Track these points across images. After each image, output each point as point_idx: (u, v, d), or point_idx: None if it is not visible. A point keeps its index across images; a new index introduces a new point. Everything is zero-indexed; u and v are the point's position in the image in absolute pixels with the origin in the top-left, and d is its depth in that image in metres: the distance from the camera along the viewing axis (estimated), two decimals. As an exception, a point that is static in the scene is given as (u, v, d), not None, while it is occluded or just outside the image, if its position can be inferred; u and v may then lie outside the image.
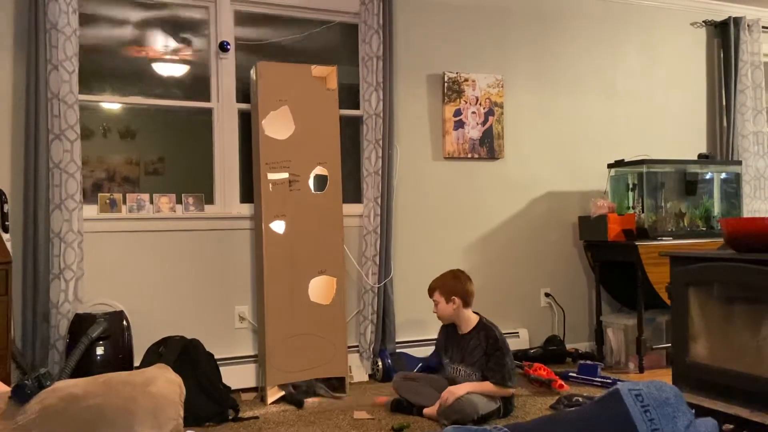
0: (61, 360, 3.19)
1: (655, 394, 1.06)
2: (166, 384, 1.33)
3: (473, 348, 3.13)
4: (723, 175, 4.58)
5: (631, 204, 4.31)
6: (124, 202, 3.53)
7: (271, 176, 3.44)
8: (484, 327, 3.15)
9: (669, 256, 2.58)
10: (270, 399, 3.36)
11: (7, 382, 2.90)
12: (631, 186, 4.35)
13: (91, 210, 3.43)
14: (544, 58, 4.49)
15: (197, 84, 3.81)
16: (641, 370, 3.97)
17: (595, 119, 4.61)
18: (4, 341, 2.91)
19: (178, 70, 3.84)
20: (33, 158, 3.19)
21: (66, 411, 1.26)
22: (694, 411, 1.06)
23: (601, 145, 4.56)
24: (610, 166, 4.40)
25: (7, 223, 3.12)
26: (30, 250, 3.18)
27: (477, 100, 4.25)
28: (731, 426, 2.20)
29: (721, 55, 4.98)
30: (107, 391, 1.28)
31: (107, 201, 3.49)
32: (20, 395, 1.31)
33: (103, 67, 3.64)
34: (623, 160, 4.33)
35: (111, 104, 3.69)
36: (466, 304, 3.19)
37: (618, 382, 3.53)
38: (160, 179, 3.83)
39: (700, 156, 4.55)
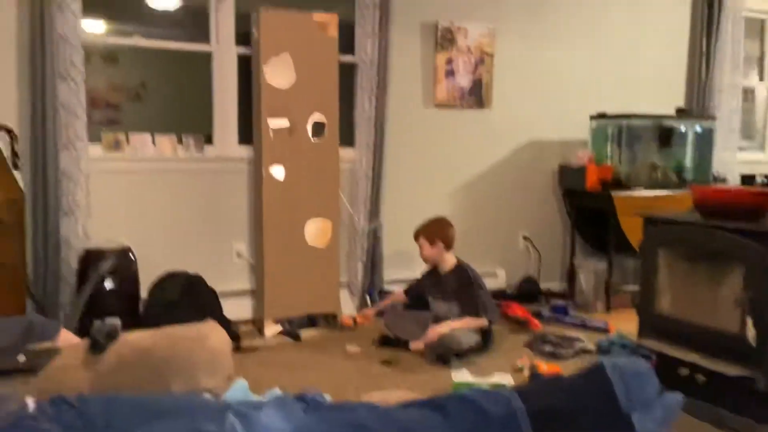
0: (72, 292, 3.38)
1: (631, 367, 1.32)
2: (219, 338, 1.55)
3: (450, 286, 3.47)
4: (697, 129, 4.81)
5: (609, 155, 4.53)
6: (128, 142, 3.64)
7: (272, 123, 3.57)
8: (460, 268, 3.50)
9: (643, 216, 2.83)
10: (268, 332, 3.62)
11: (22, 313, 3.11)
12: (611, 138, 4.55)
13: (95, 150, 3.54)
14: (535, 9, 4.58)
15: (196, 22, 3.85)
16: (608, 309, 4.29)
17: (581, 71, 4.76)
18: (21, 274, 3.09)
19: (178, 10, 3.88)
20: (40, 99, 3.27)
21: (139, 362, 1.48)
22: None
23: (586, 97, 4.72)
24: (592, 118, 4.59)
25: (18, 161, 3.23)
26: (40, 187, 3.31)
27: (469, 49, 4.36)
28: (687, 371, 2.52)
29: (705, 9, 5.11)
30: (172, 345, 1.50)
31: (111, 141, 3.59)
32: (96, 347, 1.52)
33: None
34: (605, 113, 4.52)
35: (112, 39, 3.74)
36: (448, 247, 3.53)
37: (585, 339, 3.83)
38: (157, 113, 3.93)
39: (677, 111, 4.76)
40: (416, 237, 3.58)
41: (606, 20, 4.82)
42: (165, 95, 4.25)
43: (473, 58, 4.38)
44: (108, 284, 3.32)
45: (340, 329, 3.75)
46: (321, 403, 1.47)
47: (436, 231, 3.53)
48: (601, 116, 4.53)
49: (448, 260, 3.53)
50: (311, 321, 3.82)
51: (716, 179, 4.88)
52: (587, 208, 4.56)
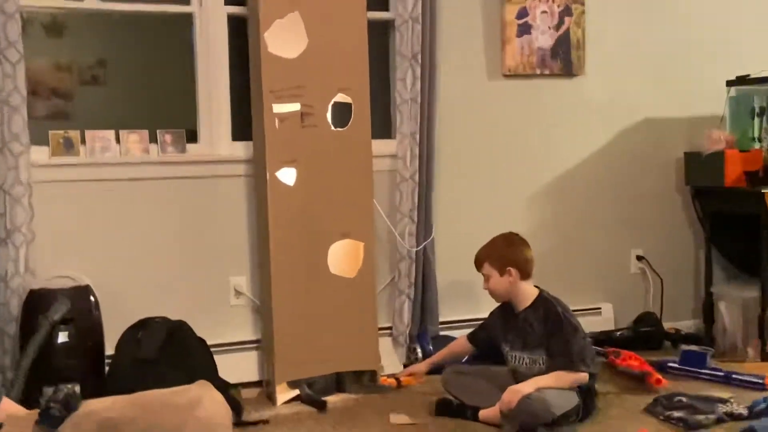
0: (14, 347, 3.48)
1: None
2: (214, 405, 1.59)
3: (532, 328, 3.42)
4: None
5: (756, 136, 4.47)
6: (83, 141, 3.74)
7: (277, 108, 3.64)
8: (543, 302, 3.45)
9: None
10: (280, 399, 3.66)
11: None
12: (758, 111, 4.49)
13: (40, 153, 3.65)
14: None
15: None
16: (764, 357, 4.21)
17: (712, 22, 4.73)
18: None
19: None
20: (-36, 87, 3.41)
21: (106, 439, 1.53)
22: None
23: (719, 56, 4.69)
24: (729, 83, 4.54)
25: (-63, 173, 3.36)
26: (-34, 208, 3.43)
27: (550, -5, 4.40)
28: None
29: None
30: (147, 416, 1.54)
31: (61, 141, 3.70)
32: (49, 420, 1.58)
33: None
34: (748, 75, 4.47)
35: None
36: (525, 275, 3.48)
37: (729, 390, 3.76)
38: (121, 101, 4.03)
39: None
40: (479, 263, 3.56)
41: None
42: (131, 77, 4.37)
43: (556, 8, 4.40)
44: (61, 337, 3.41)
45: (381, 392, 3.78)
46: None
47: (506, 254, 3.50)
48: (743, 80, 4.48)
49: (527, 293, 3.49)
50: (340, 382, 3.85)
51: None
52: (728, 213, 4.51)
